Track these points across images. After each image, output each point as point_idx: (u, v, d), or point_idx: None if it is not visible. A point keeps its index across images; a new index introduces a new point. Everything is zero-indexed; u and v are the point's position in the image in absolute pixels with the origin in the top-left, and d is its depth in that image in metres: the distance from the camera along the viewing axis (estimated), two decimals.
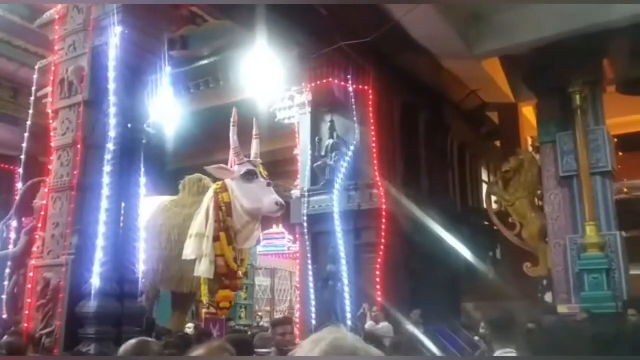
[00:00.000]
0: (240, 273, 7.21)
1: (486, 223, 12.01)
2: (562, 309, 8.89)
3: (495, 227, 10.97)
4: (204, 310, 8.19)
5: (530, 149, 12.28)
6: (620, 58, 10.18)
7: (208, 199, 7.11)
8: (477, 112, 13.68)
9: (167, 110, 8.75)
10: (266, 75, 9.20)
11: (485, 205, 11.67)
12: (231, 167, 7.19)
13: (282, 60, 9.39)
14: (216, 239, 6.88)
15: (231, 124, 7.43)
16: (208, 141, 12.59)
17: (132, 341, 2.49)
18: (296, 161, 10.72)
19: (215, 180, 7.44)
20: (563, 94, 9.65)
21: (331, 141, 10.22)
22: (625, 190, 12.66)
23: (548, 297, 10.07)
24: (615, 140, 10.56)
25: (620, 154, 11.85)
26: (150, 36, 6.24)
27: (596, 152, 9.48)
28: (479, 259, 11.13)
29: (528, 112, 13.59)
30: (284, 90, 10.48)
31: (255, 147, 7.48)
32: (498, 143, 14.98)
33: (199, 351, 1.94)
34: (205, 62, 11.10)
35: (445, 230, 10.35)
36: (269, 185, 7.03)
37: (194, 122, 11.28)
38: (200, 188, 7.68)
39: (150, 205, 7.68)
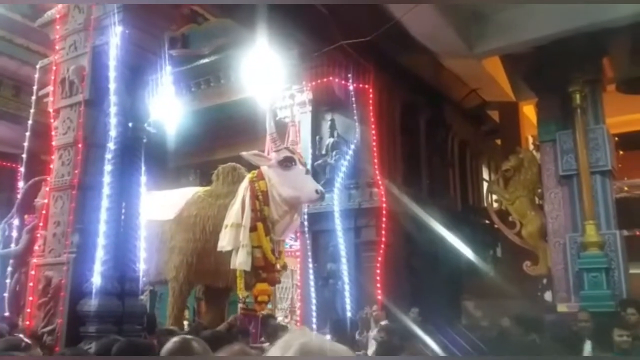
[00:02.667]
0: (278, 266, 6.85)
1: (486, 222, 12.04)
2: (561, 307, 8.91)
3: (496, 226, 11.00)
4: (240, 306, 7.91)
5: (531, 147, 12.30)
6: (621, 57, 10.19)
7: (243, 188, 6.80)
8: (478, 110, 13.70)
9: (168, 109, 8.77)
10: (267, 73, 9.21)
11: (485, 204, 11.70)
12: (268, 154, 6.88)
13: (283, 58, 9.40)
14: (253, 229, 6.53)
15: (268, 108, 7.14)
16: (209, 139, 12.66)
17: (175, 339, 2.38)
18: None
19: (249, 169, 7.18)
20: (563, 92, 9.65)
21: (331, 140, 10.24)
22: (626, 188, 12.66)
23: (547, 295, 10.11)
24: (616, 139, 10.57)
25: (621, 152, 11.86)
26: (151, 35, 6.26)
27: (596, 151, 9.48)
28: (479, 257, 11.16)
29: (528, 111, 13.61)
30: (284, 88, 10.49)
31: (292, 134, 7.21)
32: (499, 141, 14.99)
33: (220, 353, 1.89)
34: (206, 60, 11.12)
35: (445, 228, 10.37)
36: (307, 172, 6.74)
37: (195, 120, 11.32)
38: (235, 177, 7.34)
39: (183, 196, 7.57)
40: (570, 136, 9.64)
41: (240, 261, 6.43)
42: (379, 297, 9.10)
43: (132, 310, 5.27)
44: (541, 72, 10.04)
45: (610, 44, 9.72)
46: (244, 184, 6.83)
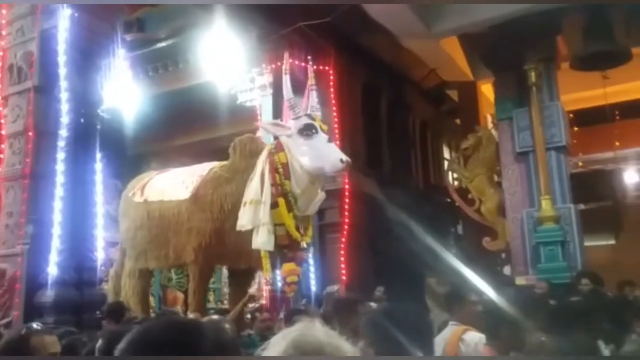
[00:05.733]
0: (304, 244, 6.26)
1: (448, 200, 12.26)
2: (520, 280, 9.17)
3: (457, 204, 11.20)
4: (267, 288, 7.43)
5: (490, 126, 12.52)
6: (574, 34, 10.40)
7: (262, 161, 6.19)
8: (437, 90, 13.84)
9: (125, 95, 8.59)
10: (226, 57, 9.08)
11: (446, 183, 11.89)
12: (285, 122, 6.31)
13: (242, 41, 9.29)
14: (274, 205, 5.96)
15: (283, 72, 6.56)
16: (169, 124, 12.45)
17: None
18: None
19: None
20: (519, 71, 9.84)
21: None
22: (581, 164, 13.06)
23: (507, 269, 10.38)
24: (570, 115, 10.84)
25: (576, 129, 12.19)
26: (102, 18, 6.11)
27: (551, 128, 9.72)
28: (441, 235, 11.35)
29: (487, 90, 13.80)
30: (244, 72, 10.38)
31: (312, 100, 6.55)
32: (458, 121, 15.20)
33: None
34: (163, 44, 10.87)
35: (408, 208, 10.50)
36: (330, 140, 6.14)
37: (153, 105, 11.11)
38: (253, 149, 6.62)
39: (198, 173, 7.02)
40: (526, 114, 9.85)
41: (262, 241, 5.92)
42: (344, 277, 9.19)
43: (91, 299, 5.22)
44: (497, 51, 10.18)
45: (563, 22, 9.92)
46: (263, 157, 6.26)
